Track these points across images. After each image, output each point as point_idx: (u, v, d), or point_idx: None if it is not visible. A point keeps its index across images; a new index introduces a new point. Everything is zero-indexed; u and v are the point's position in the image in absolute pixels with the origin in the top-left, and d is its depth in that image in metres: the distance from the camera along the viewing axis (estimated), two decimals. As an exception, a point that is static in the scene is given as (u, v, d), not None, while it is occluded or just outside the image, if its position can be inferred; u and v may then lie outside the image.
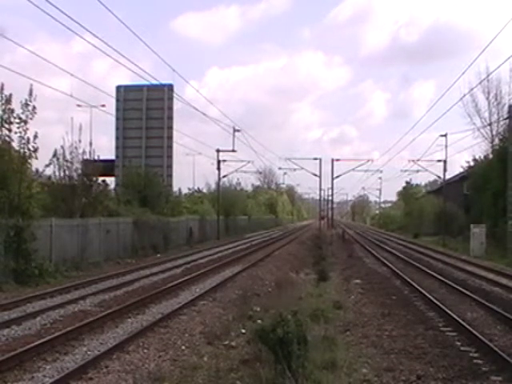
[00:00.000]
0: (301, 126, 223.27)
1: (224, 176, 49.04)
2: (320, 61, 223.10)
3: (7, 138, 18.19)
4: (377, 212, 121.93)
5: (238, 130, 43.36)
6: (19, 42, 58.38)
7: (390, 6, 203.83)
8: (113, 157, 38.72)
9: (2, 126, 17.95)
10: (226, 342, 9.67)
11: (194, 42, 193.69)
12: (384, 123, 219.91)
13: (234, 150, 44.02)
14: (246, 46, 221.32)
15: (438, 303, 12.91)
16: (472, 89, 39.27)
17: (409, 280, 17.50)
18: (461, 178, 47.34)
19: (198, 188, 56.36)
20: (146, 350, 9.12)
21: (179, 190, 48.42)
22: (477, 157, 42.18)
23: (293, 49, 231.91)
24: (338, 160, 50.50)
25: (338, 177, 51.40)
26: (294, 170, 57.61)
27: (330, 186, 56.19)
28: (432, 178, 63.81)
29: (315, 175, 49.73)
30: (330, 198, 70.92)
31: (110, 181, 33.94)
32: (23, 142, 18.24)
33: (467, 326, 10.30)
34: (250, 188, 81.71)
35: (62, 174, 23.10)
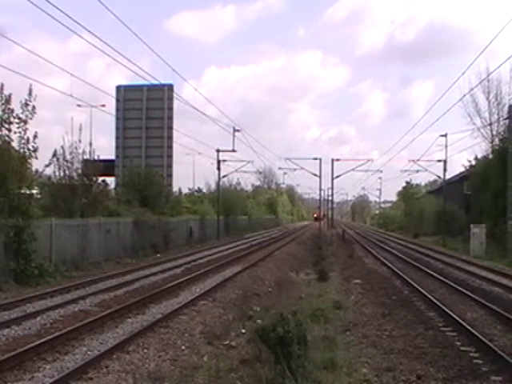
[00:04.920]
0: (299, 126, 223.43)
1: (224, 176, 49.12)
2: (318, 61, 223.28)
3: (7, 138, 18.17)
4: (377, 212, 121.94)
5: (238, 130, 43.41)
6: (16, 41, 58.07)
7: (387, 6, 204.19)
8: (113, 157, 38.71)
9: (2, 126, 17.93)
10: (226, 342, 9.67)
11: (191, 42, 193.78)
12: (383, 123, 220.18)
13: (233, 150, 44.07)
14: (244, 45, 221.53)
15: (438, 303, 12.93)
16: (472, 89, 39.23)
17: (409, 280, 17.50)
18: (461, 178, 47.32)
19: (198, 188, 56.51)
20: (145, 350, 9.11)
21: (179, 189, 48.53)
22: (479, 156, 42.21)
23: (291, 49, 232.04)
24: (337, 160, 50.38)
25: (338, 177, 51.29)
26: (294, 169, 57.59)
27: (329, 185, 56.11)
28: (432, 177, 63.93)
29: (315, 175, 49.64)
30: (330, 197, 70.88)
31: (110, 181, 33.99)
32: (23, 141, 18.23)
33: (467, 326, 10.30)
34: (250, 188, 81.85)
35: (61, 174, 23.10)
